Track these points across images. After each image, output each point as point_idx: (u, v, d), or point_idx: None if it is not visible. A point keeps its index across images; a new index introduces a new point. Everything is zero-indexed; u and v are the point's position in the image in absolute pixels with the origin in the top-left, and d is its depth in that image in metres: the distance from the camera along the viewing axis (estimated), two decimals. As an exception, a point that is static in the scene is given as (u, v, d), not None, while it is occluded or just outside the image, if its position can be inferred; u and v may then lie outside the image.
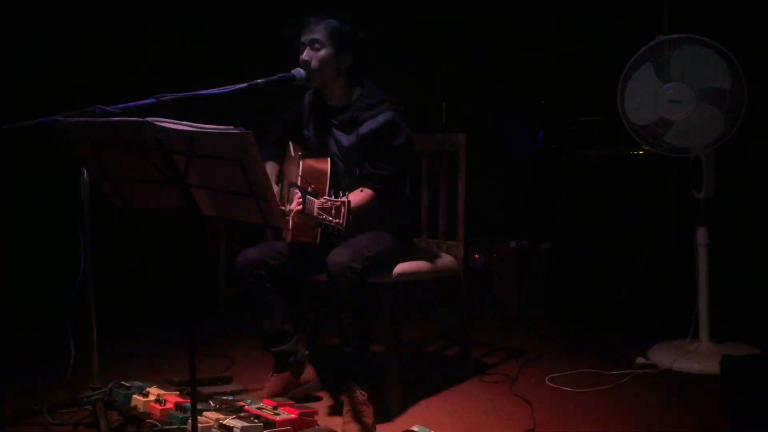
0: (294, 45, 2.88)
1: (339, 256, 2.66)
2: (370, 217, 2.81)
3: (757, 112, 3.21)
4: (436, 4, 4.85)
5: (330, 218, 2.35)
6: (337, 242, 2.92)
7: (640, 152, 3.79)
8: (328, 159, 2.88)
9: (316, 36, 2.80)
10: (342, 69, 2.85)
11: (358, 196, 2.72)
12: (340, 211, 2.34)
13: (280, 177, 3.07)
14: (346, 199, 2.35)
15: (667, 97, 3.22)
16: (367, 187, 2.77)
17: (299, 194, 2.47)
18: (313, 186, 2.54)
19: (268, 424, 2.47)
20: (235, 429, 2.40)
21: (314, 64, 2.80)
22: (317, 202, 2.38)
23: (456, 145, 3.19)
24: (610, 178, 3.90)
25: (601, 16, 4.49)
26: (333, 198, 2.36)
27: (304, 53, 2.82)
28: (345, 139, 2.87)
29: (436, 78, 4.74)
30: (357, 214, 2.71)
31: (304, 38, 2.83)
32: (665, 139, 3.28)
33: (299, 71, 2.80)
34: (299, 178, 2.79)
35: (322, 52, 2.81)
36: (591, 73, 4.43)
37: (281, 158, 3.09)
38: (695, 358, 3.29)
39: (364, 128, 2.82)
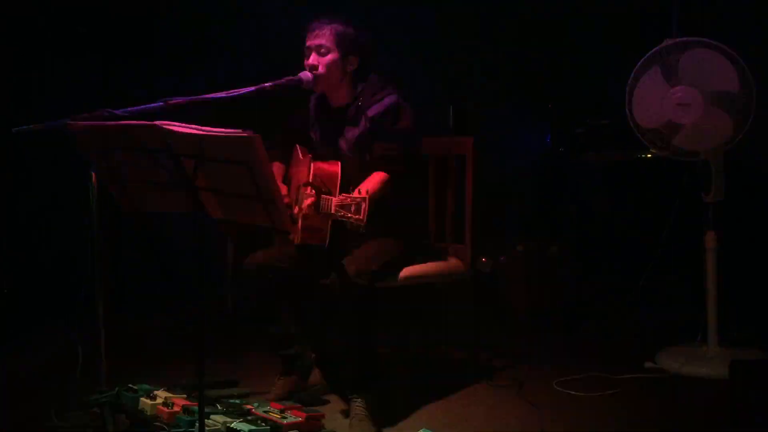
0: (300, 48, 2.89)
1: (345, 272, 2.64)
2: (386, 211, 2.81)
3: (766, 115, 3.19)
4: (444, 7, 4.85)
5: (350, 215, 2.34)
6: (345, 246, 2.92)
7: (649, 156, 3.78)
8: (339, 163, 2.88)
9: (322, 41, 2.81)
10: (348, 72, 2.86)
11: (371, 183, 2.71)
12: (361, 208, 2.33)
13: (287, 179, 3.08)
14: (366, 196, 2.34)
15: (675, 101, 3.21)
16: (379, 170, 2.77)
17: (313, 195, 2.47)
18: (326, 187, 2.53)
19: (275, 427, 2.48)
20: (242, 432, 2.40)
21: (321, 69, 2.81)
22: (335, 200, 2.37)
23: (463, 148, 3.19)
24: (618, 181, 3.89)
25: (609, 18, 4.49)
26: (352, 195, 2.36)
27: (311, 58, 2.82)
28: (354, 130, 2.87)
29: (443, 81, 4.74)
30: (372, 200, 2.71)
31: (310, 43, 2.83)
32: (673, 142, 3.27)
33: (307, 74, 2.81)
34: (312, 176, 2.80)
35: (329, 57, 2.81)
36: (599, 77, 4.42)
37: (288, 160, 3.10)
38: (704, 362, 3.28)
39: (371, 111, 2.83)
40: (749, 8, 3.86)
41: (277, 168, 3.05)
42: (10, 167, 4.50)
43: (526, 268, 4.43)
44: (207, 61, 4.73)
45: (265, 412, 2.57)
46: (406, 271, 2.89)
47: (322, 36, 2.81)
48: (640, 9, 4.31)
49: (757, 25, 3.81)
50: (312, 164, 2.85)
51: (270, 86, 2.69)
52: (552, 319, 4.10)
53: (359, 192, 2.38)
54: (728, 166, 3.32)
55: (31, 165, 4.55)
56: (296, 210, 2.82)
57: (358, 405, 2.72)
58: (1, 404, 2.97)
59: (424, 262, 3.02)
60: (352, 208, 2.34)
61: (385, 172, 2.76)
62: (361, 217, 2.33)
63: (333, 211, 2.38)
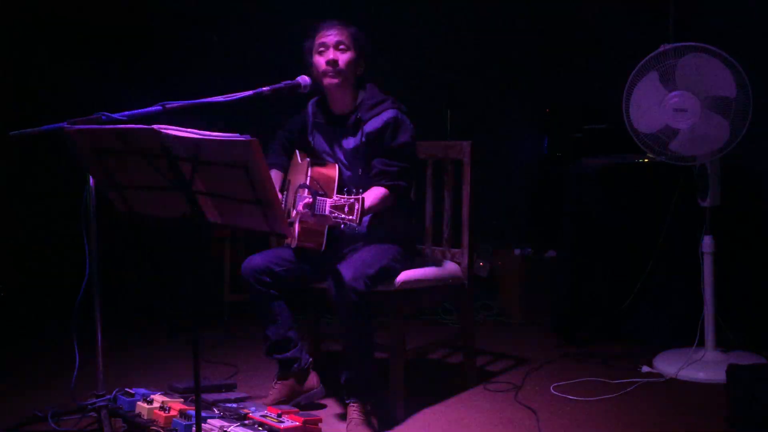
0: (299, 53, 2.89)
1: (342, 276, 2.65)
2: (382, 216, 2.81)
3: (763, 120, 3.20)
4: (442, 12, 4.86)
5: (343, 215, 2.35)
6: (342, 250, 2.92)
7: (646, 160, 3.79)
8: (336, 165, 2.89)
9: (341, 38, 2.81)
10: (357, 75, 2.87)
11: (371, 195, 2.72)
12: (354, 208, 2.34)
13: (285, 185, 3.08)
14: (360, 196, 2.35)
15: (672, 106, 3.22)
16: (379, 185, 2.77)
17: (308, 197, 2.47)
18: (323, 189, 2.53)
19: (272, 431, 2.47)
20: (239, 436, 2.39)
21: (341, 65, 2.81)
22: (329, 201, 2.38)
23: (461, 152, 3.19)
24: (615, 186, 3.89)
25: (606, 23, 4.50)
26: (346, 196, 2.37)
27: (329, 53, 2.81)
28: (351, 141, 2.88)
29: (441, 85, 4.75)
30: (373, 213, 2.73)
31: (327, 39, 2.82)
32: (670, 147, 3.28)
33: (304, 78, 2.81)
34: (308, 179, 2.81)
35: (348, 54, 2.82)
36: (596, 82, 4.43)
37: (286, 167, 3.10)
38: (701, 366, 3.28)
39: (369, 126, 2.83)
40: (746, 13, 3.87)
41: (275, 175, 3.05)
42: (7, 170, 4.49)
43: (523, 273, 4.43)
44: (205, 64, 4.73)
45: (262, 416, 2.56)
46: (404, 275, 2.89)
47: (340, 33, 2.82)
48: (637, 14, 4.32)
49: (754, 31, 3.81)
50: (310, 168, 2.86)
51: (268, 90, 2.69)
52: (549, 323, 4.10)
53: (354, 193, 2.38)
54: (725, 170, 3.33)
55: (29, 168, 4.55)
56: (293, 213, 2.83)
57: (355, 409, 2.72)
58: (-2, 408, 2.97)
59: (421, 266, 3.03)
60: (346, 209, 2.35)
61: (384, 187, 2.77)
62: (354, 218, 2.34)
63: (327, 213, 2.38)
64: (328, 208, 2.38)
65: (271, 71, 2.95)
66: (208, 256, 4.36)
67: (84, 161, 2.24)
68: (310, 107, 3.06)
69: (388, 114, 2.83)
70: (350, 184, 2.89)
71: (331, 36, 2.83)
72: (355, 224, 2.36)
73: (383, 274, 2.79)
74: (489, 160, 3.84)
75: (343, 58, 2.82)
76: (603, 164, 3.92)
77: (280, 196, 2.95)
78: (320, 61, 2.83)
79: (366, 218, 2.85)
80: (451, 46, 4.90)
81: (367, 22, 2.93)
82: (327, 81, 2.83)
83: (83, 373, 2.78)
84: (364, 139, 2.84)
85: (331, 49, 2.82)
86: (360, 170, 2.87)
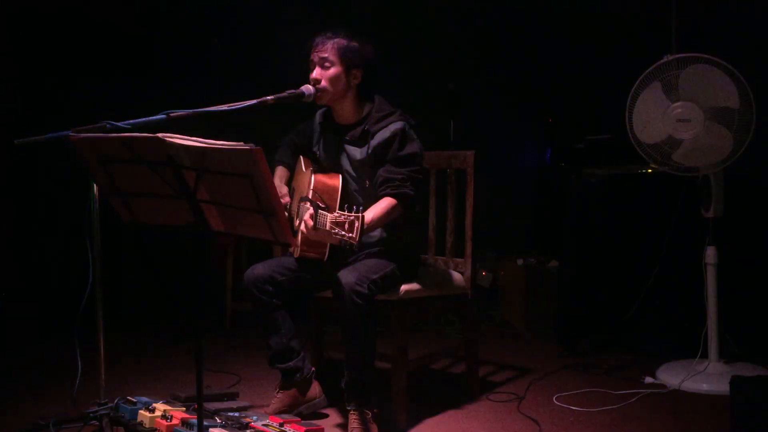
0: (303, 62, 2.90)
1: (347, 279, 2.65)
2: (391, 224, 2.81)
3: (766, 131, 3.20)
4: (446, 21, 4.88)
5: (343, 232, 2.35)
6: (345, 260, 2.92)
7: (649, 171, 3.79)
8: (340, 176, 2.89)
9: (326, 54, 2.82)
10: (351, 86, 2.87)
11: (375, 209, 2.71)
12: (354, 226, 2.34)
13: (290, 188, 3.09)
14: (360, 214, 2.35)
15: (675, 116, 3.22)
16: (384, 194, 2.77)
17: (311, 209, 2.48)
18: (325, 202, 2.53)
19: (274, 440, 2.47)
20: (241, 445, 2.39)
21: (324, 83, 2.82)
22: (330, 217, 2.38)
23: (464, 162, 3.19)
24: (618, 196, 3.89)
25: (609, 33, 4.51)
26: (347, 213, 2.37)
27: (314, 72, 2.84)
28: (358, 153, 2.89)
29: (444, 95, 4.76)
30: (378, 227, 2.72)
31: (314, 57, 2.85)
32: (673, 158, 3.28)
33: (308, 88, 2.82)
34: (311, 192, 2.80)
35: (332, 71, 2.83)
36: (599, 92, 4.44)
37: (292, 165, 3.10)
38: (704, 378, 3.27)
39: (376, 139, 2.83)
40: (749, 24, 3.88)
41: (282, 172, 3.06)
42: (13, 178, 4.50)
43: (525, 283, 4.43)
44: (209, 73, 4.74)
45: (264, 425, 2.56)
46: (407, 285, 2.89)
47: (325, 50, 2.82)
48: (640, 24, 4.33)
49: (758, 42, 3.82)
50: (313, 176, 2.86)
51: (272, 99, 2.69)
52: (552, 333, 4.09)
53: (355, 210, 2.38)
54: (729, 181, 3.32)
55: (33, 176, 4.56)
56: (297, 223, 2.83)
57: (356, 418, 2.72)
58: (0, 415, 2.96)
59: (424, 276, 3.02)
60: (346, 226, 2.35)
61: (392, 197, 2.76)
62: (353, 236, 2.34)
63: (328, 228, 2.39)
64: (329, 224, 2.38)
65: (278, 79, 2.96)
66: (211, 264, 4.35)
67: (88, 169, 2.24)
68: (317, 117, 3.07)
69: (395, 126, 2.83)
70: (356, 196, 2.89)
71: (316, 53, 2.84)
72: (354, 242, 2.35)
73: (387, 281, 2.79)
74: (492, 170, 3.84)
75: (327, 75, 2.82)
76: (606, 174, 3.93)
77: (284, 201, 2.95)
78: (310, 78, 2.85)
79: (377, 232, 2.85)
80: (455, 56, 4.91)
81: (370, 31, 2.94)
82: (314, 99, 2.85)
83: (85, 381, 2.78)
84: (371, 151, 2.84)
85: (317, 68, 2.84)
86: (367, 182, 2.87)
